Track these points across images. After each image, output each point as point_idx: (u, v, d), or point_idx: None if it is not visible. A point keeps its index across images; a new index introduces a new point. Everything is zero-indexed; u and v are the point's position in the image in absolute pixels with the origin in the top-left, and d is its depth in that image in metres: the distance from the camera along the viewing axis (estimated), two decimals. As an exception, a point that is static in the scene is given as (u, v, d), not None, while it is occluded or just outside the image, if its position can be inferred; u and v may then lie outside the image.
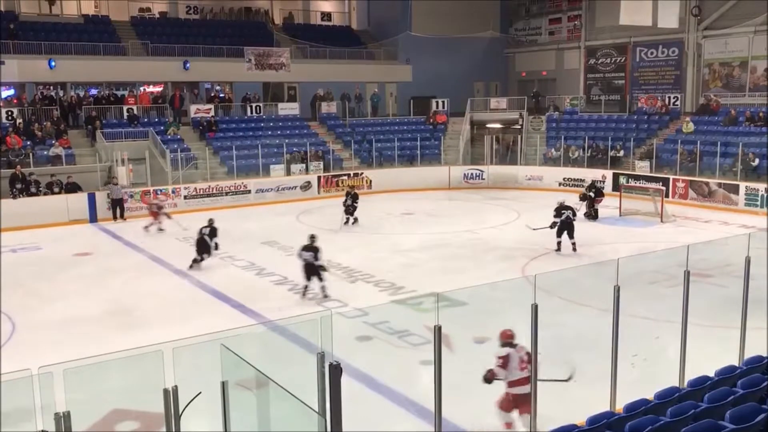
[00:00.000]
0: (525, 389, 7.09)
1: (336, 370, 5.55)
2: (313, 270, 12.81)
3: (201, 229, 15.41)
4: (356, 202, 20.29)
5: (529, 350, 6.93)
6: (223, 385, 5.51)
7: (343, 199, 20.57)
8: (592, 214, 20.25)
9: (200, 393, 5.24)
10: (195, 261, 15.24)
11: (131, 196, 22.02)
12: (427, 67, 32.05)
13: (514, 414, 7.39)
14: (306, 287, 12.94)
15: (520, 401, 7.24)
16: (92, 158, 23.42)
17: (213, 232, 15.39)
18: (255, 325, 11.20)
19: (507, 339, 7.42)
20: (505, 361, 7.28)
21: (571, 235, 16.26)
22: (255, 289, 13.83)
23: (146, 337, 9.97)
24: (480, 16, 33.87)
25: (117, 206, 21.43)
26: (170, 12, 32.18)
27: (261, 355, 6.47)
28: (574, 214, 16.55)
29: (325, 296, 12.84)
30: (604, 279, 7.47)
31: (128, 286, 14.23)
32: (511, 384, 7.31)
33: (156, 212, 19.69)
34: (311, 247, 12.87)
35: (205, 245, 15.25)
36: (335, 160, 27.30)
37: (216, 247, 15.38)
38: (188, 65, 28.08)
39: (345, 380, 5.71)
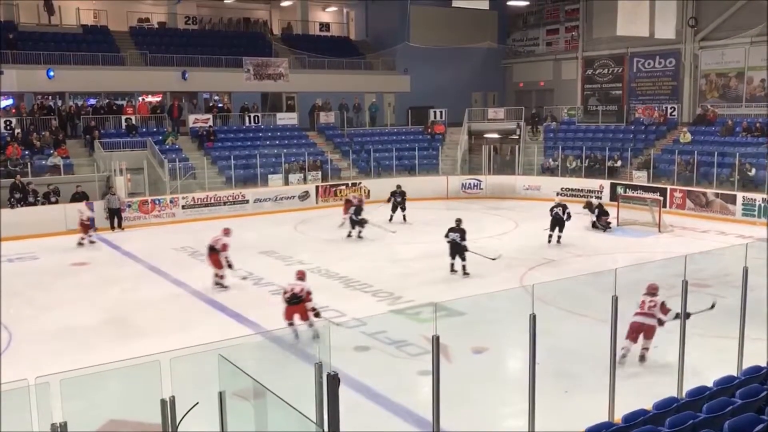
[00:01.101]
0: (650, 321, 9.60)
1: (334, 381, 5.54)
2: (458, 249, 14.79)
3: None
4: (405, 199, 21.87)
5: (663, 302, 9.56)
6: (221, 395, 5.49)
7: (390, 198, 22.08)
8: (599, 226, 20.23)
9: (197, 403, 5.23)
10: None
11: (129, 206, 22.00)
12: (425, 77, 32.15)
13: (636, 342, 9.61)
14: (452, 264, 15.01)
15: (646, 330, 9.63)
16: (90, 168, 23.42)
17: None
18: (252, 335, 11.17)
19: (651, 290, 9.86)
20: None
21: (560, 230, 17.92)
22: (252, 298, 13.80)
23: (143, 347, 9.94)
24: (478, 26, 34.00)
25: (115, 216, 21.40)
26: (169, 22, 32.28)
27: (258, 365, 6.46)
28: (564, 212, 17.97)
29: (466, 274, 14.86)
30: (602, 289, 7.47)
31: (125, 296, 14.20)
32: (636, 314, 9.67)
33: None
34: (458, 229, 14.99)
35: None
36: (333, 169, 27.33)
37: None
38: (187, 75, 28.14)
39: (343, 390, 5.70)
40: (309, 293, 10.97)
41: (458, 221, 15.31)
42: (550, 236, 18.07)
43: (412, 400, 8.53)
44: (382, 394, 8.93)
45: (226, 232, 14.54)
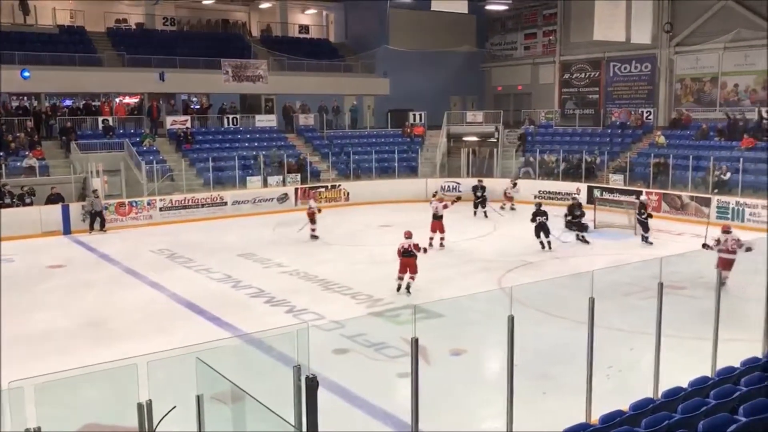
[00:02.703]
0: (731, 256, 13.02)
1: (312, 384, 5.53)
2: (543, 228, 17.41)
3: None
4: (485, 193, 23.43)
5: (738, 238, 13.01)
6: (199, 398, 5.45)
7: (474, 193, 23.60)
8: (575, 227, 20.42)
9: (175, 407, 5.19)
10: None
11: (106, 209, 21.78)
12: (405, 80, 32.22)
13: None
14: (541, 243, 17.56)
15: (726, 263, 12.60)
16: (67, 170, 23.15)
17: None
18: (230, 338, 11.11)
19: (725, 229, 13.93)
20: (717, 242, 13.49)
21: (546, 235, 17.91)
22: (231, 301, 13.73)
23: (120, 351, 9.85)
24: (457, 30, 34.16)
25: (96, 218, 21.17)
26: (147, 23, 32.02)
27: (236, 368, 6.42)
28: (547, 217, 18.09)
29: (550, 249, 17.52)
30: (579, 291, 7.53)
31: (102, 299, 14.06)
32: (721, 251, 12.99)
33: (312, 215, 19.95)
34: (542, 212, 17.69)
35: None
36: (313, 172, 27.28)
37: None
38: (165, 77, 27.93)
39: (321, 393, 5.69)
40: (417, 246, 13.84)
41: (539, 205, 18.13)
42: (541, 243, 17.91)
43: (391, 403, 8.53)
44: (361, 396, 8.92)
45: (409, 234, 14.17)
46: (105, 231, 21.17)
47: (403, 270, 13.72)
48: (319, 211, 20.24)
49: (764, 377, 6.58)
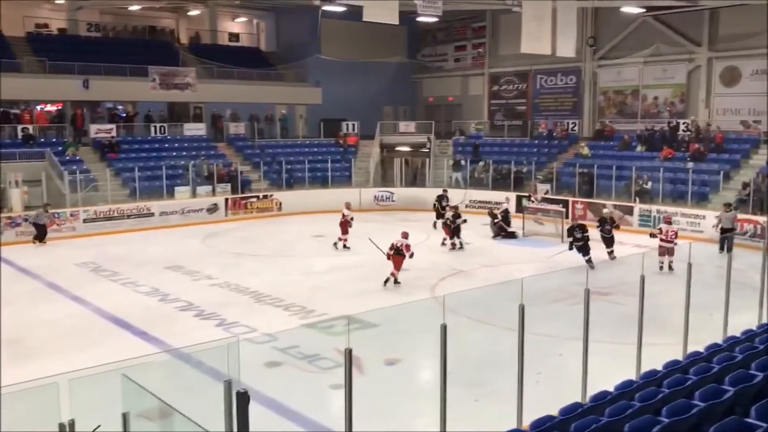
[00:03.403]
0: (669, 245, 16.30)
1: (243, 398, 5.42)
2: (585, 248, 16.79)
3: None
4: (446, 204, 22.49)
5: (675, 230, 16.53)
6: (125, 416, 5.27)
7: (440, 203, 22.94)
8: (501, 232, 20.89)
9: (99, 426, 5.00)
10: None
11: (26, 221, 20.89)
12: (337, 89, 32.22)
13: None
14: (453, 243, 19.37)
15: (666, 250, 16.22)
16: (-18, 180, 22.13)
17: None
18: (158, 354, 10.80)
19: (667, 220, 17.72)
20: (660, 231, 16.82)
21: (586, 253, 16.87)
22: (158, 315, 13.36)
23: (41, 369, 9.42)
24: (388, 41, 34.42)
25: (41, 231, 20.54)
26: (70, 29, 30.96)
27: (165, 384, 6.25)
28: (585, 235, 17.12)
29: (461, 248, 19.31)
30: (509, 298, 7.67)
31: (21, 315, 13.41)
32: (662, 240, 16.43)
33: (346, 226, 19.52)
34: (581, 226, 17.31)
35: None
36: (244, 181, 26.90)
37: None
38: (88, 84, 27.06)
39: (253, 408, 5.59)
40: (408, 247, 15.09)
41: (578, 224, 17.60)
42: (453, 244, 19.31)
43: (325, 415, 8.47)
44: (294, 409, 8.82)
45: (405, 235, 15.68)
46: (45, 243, 20.63)
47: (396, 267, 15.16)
48: (352, 219, 19.77)
49: (685, 379, 6.83)
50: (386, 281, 15.20)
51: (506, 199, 23.54)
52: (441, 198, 23.38)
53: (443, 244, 19.96)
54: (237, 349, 5.59)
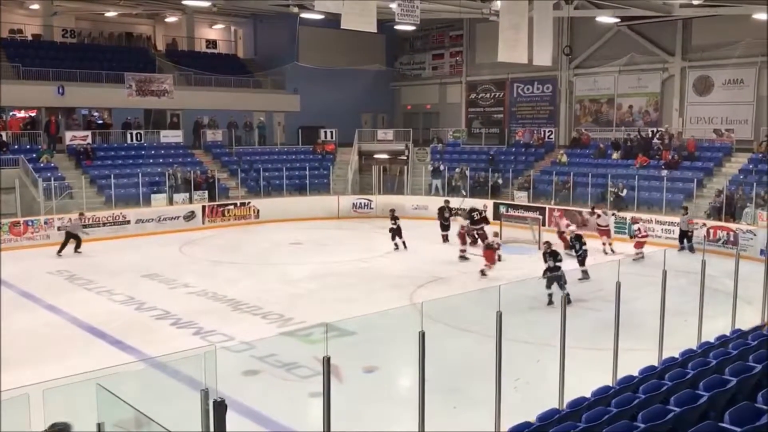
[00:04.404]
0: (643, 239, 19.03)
1: (220, 407, 5.39)
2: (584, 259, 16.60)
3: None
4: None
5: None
6: (99, 427, 5.20)
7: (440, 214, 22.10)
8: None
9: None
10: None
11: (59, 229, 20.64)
12: (315, 97, 32.19)
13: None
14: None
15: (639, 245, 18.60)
16: (-47, 187, 21.77)
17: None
18: (134, 363, 10.68)
19: (635, 220, 20.63)
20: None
21: (583, 263, 16.21)
22: (134, 324, 13.22)
23: (14, 379, 9.25)
24: (366, 49, 34.47)
25: (77, 239, 20.17)
26: (45, 35, 30.60)
27: (141, 393, 6.18)
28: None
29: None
30: (487, 305, 7.69)
31: (-7, 325, 13.21)
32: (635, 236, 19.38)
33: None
34: (578, 237, 17.07)
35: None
36: (221, 189, 26.74)
37: None
38: (63, 90, 26.77)
39: (231, 417, 5.55)
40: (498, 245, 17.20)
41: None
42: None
43: (303, 423, 8.43)
44: (272, 418, 8.77)
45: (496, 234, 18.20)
46: (80, 253, 20.18)
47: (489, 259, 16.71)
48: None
49: (660, 384, 6.91)
50: (482, 272, 16.68)
51: (484, 206, 23.62)
52: (443, 210, 22.17)
53: (461, 254, 19.14)
54: (214, 357, 5.54)
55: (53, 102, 27.08)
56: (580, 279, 15.39)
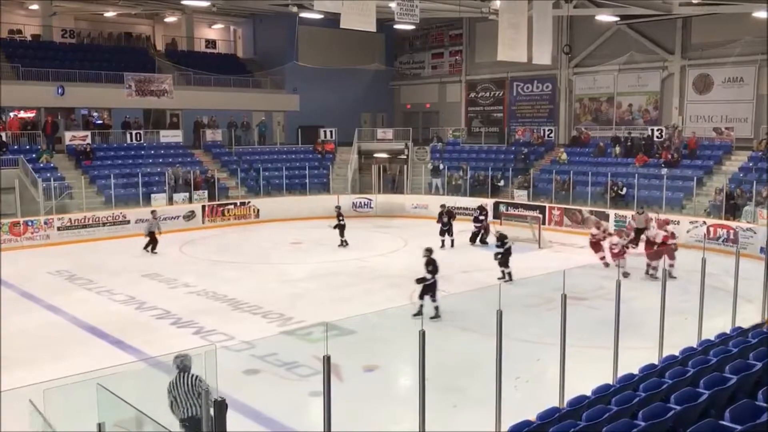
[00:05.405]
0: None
1: (221, 406, 5.39)
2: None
3: None
4: (453, 220, 21.02)
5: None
6: (100, 426, 5.20)
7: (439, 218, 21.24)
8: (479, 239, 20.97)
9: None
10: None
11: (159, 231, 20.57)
12: (315, 96, 32.19)
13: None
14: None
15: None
16: (-46, 188, 21.77)
17: None
18: (134, 363, 10.68)
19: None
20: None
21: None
22: (135, 324, 13.22)
23: (15, 379, 9.27)
24: (366, 48, 34.48)
25: (154, 238, 20.18)
26: (44, 35, 30.59)
27: (141, 393, 6.19)
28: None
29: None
30: (487, 304, 7.69)
31: (-6, 325, 13.22)
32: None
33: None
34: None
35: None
36: (221, 188, 26.74)
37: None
38: (62, 91, 26.76)
39: (231, 416, 5.55)
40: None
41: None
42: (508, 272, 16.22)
43: (304, 422, 8.43)
44: (272, 418, 8.77)
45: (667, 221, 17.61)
46: (156, 253, 20.08)
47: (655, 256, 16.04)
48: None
49: (661, 383, 6.90)
50: (607, 265, 17.01)
51: (485, 204, 23.60)
52: (441, 214, 21.28)
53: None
54: (214, 357, 5.56)
55: (53, 102, 27.08)
56: (499, 278, 15.88)
